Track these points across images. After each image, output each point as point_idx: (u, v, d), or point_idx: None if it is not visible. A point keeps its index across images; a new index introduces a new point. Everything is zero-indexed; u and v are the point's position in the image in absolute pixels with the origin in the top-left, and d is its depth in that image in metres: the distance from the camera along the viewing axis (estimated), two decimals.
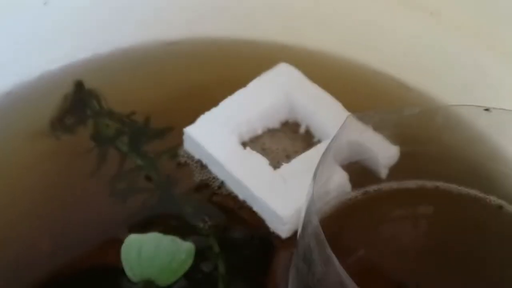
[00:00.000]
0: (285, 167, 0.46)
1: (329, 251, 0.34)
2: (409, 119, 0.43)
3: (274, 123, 0.49)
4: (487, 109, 0.43)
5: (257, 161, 0.46)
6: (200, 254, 0.44)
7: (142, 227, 0.45)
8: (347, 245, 0.46)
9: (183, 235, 0.45)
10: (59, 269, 0.45)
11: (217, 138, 0.47)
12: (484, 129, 0.44)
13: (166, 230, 0.45)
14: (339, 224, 0.46)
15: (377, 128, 0.45)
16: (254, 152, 0.46)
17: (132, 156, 0.49)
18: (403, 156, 0.47)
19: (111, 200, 0.47)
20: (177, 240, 0.44)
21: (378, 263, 0.46)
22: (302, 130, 0.49)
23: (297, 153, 0.48)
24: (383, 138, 0.46)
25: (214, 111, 0.48)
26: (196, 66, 0.55)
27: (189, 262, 0.43)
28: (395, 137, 0.45)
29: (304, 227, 0.38)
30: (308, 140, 0.49)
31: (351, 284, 0.33)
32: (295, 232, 0.44)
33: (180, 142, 0.49)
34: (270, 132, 0.49)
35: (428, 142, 0.45)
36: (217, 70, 0.55)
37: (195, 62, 0.56)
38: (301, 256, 0.38)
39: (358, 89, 0.54)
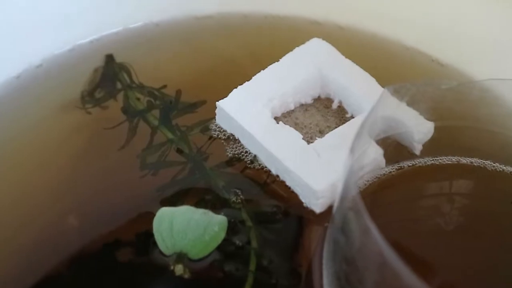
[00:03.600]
0: (318, 141, 0.45)
1: (368, 220, 0.34)
2: (446, 92, 0.43)
3: (307, 98, 0.49)
4: None
5: (290, 135, 0.45)
6: (232, 228, 0.44)
7: (174, 200, 0.45)
8: (380, 220, 0.46)
9: (215, 209, 0.44)
10: (88, 243, 0.45)
11: (250, 112, 0.46)
12: None
13: (198, 204, 0.45)
14: (372, 199, 0.45)
15: (413, 101, 0.44)
16: (287, 126, 0.46)
17: (163, 129, 0.49)
18: (438, 131, 0.46)
19: (141, 173, 0.47)
20: (209, 213, 0.43)
21: (411, 240, 0.45)
22: (334, 105, 0.49)
23: (330, 128, 0.47)
24: (418, 113, 0.46)
25: (247, 85, 0.48)
26: (227, 41, 0.55)
27: (222, 235, 0.43)
28: (431, 111, 0.45)
29: (342, 199, 0.37)
30: (340, 115, 0.49)
31: (390, 253, 0.33)
32: (329, 207, 0.44)
33: (212, 116, 0.49)
34: (303, 107, 0.49)
35: (464, 117, 0.45)
36: (249, 45, 0.55)
37: (226, 37, 0.55)
38: (338, 228, 0.38)
39: (389, 66, 0.53)
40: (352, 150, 0.38)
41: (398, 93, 0.42)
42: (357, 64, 0.50)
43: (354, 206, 0.35)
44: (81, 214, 0.46)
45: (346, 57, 0.50)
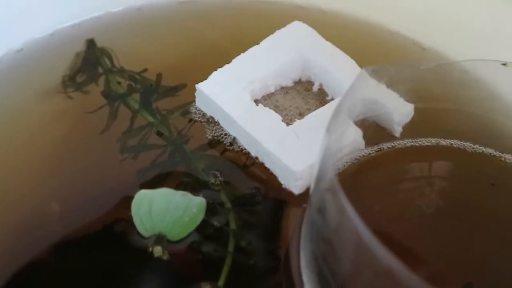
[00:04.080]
0: (298, 123, 0.45)
1: (344, 201, 0.34)
2: (425, 74, 0.43)
3: (287, 81, 0.49)
4: (504, 64, 0.42)
5: (270, 117, 0.45)
6: (211, 210, 0.44)
7: (153, 183, 0.45)
8: (359, 202, 0.46)
9: (195, 191, 0.44)
10: (69, 228, 0.45)
11: (229, 94, 0.46)
12: (501, 86, 0.43)
13: (177, 186, 0.45)
14: (352, 181, 0.45)
15: (393, 83, 0.44)
16: (266, 109, 0.46)
17: (143, 113, 0.49)
18: (418, 113, 0.46)
19: (122, 157, 0.47)
20: (188, 195, 0.43)
21: (390, 221, 0.45)
22: (315, 88, 0.49)
23: (310, 110, 0.47)
24: (398, 95, 0.46)
25: (227, 67, 0.48)
26: (209, 24, 0.55)
27: (201, 216, 0.43)
28: (410, 92, 0.45)
29: (318, 179, 0.37)
30: (321, 98, 0.48)
31: (366, 232, 0.33)
32: (308, 188, 0.44)
33: (192, 99, 0.49)
34: (283, 90, 0.49)
35: (444, 99, 0.45)
36: (231, 29, 0.54)
37: (208, 21, 0.55)
38: (315, 208, 0.38)
39: (372, 49, 0.53)
40: (328, 130, 0.38)
41: (376, 74, 0.42)
42: (338, 48, 0.49)
43: (330, 186, 0.35)
44: (62, 199, 0.46)
45: (328, 41, 0.50)
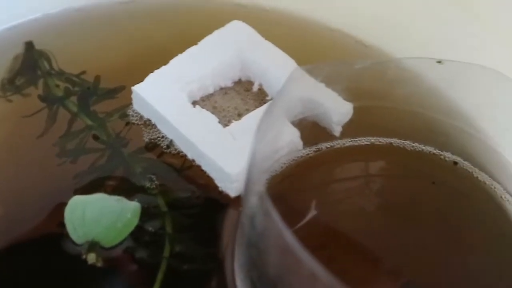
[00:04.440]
0: (235, 124, 0.45)
1: (269, 204, 0.33)
2: (360, 72, 0.42)
3: (226, 81, 0.48)
4: (439, 62, 0.42)
5: (206, 119, 0.45)
6: (148, 214, 0.43)
7: (89, 188, 0.44)
8: (298, 203, 0.46)
9: (131, 195, 0.44)
10: (4, 233, 0.44)
11: (165, 96, 0.45)
12: (438, 83, 0.43)
13: (113, 191, 0.44)
14: (290, 182, 0.45)
15: (329, 82, 0.44)
16: (203, 110, 0.45)
17: (82, 116, 0.48)
18: (357, 112, 0.45)
19: (60, 161, 0.46)
20: (123, 200, 0.43)
21: (330, 222, 0.45)
22: (255, 88, 0.48)
23: (249, 111, 0.47)
24: (336, 94, 0.45)
25: (164, 69, 0.47)
26: (148, 25, 0.54)
27: (135, 221, 0.42)
28: (347, 91, 0.44)
29: (246, 182, 0.36)
30: (261, 98, 0.48)
31: (289, 236, 0.32)
32: None
33: (131, 102, 0.48)
34: (222, 90, 0.48)
35: (382, 97, 0.44)
36: (173, 29, 0.54)
37: (147, 21, 0.54)
38: (245, 212, 0.37)
39: (314, 48, 0.53)
40: (258, 132, 0.37)
41: (311, 73, 0.41)
42: (280, 47, 0.49)
43: (257, 190, 0.35)
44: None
45: (271, 39, 0.49)
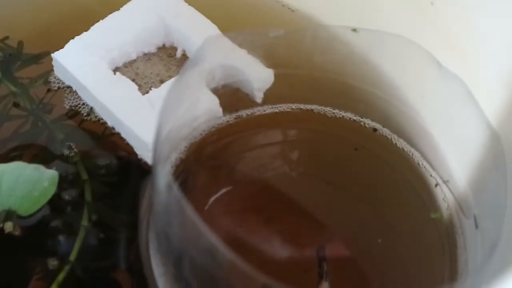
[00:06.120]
0: (154, 92, 0.44)
1: (169, 178, 0.33)
2: (276, 41, 0.42)
3: (150, 47, 0.48)
4: (354, 30, 0.42)
5: (126, 86, 0.45)
6: (67, 182, 0.43)
7: (11, 156, 0.44)
8: (219, 169, 0.46)
9: (49, 163, 0.44)
10: None
11: (85, 63, 0.45)
12: (354, 51, 0.43)
13: (32, 159, 0.44)
14: (210, 149, 0.45)
15: (247, 50, 0.44)
16: (123, 78, 0.45)
17: (5, 82, 0.48)
18: (278, 79, 0.46)
19: None
20: (40, 168, 0.43)
21: (251, 188, 0.45)
22: (178, 54, 0.48)
23: (171, 77, 0.46)
24: (258, 60, 0.45)
25: (84, 35, 0.46)
26: None
27: (52, 190, 0.42)
28: (266, 59, 0.44)
29: (153, 153, 0.37)
30: (184, 64, 0.48)
31: (190, 211, 0.33)
32: None
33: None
34: (146, 56, 0.48)
35: (300, 65, 0.44)
36: None
37: None
38: (152, 181, 0.37)
39: (239, 13, 0.52)
40: (168, 98, 0.37)
41: (221, 42, 0.41)
42: (205, 13, 0.48)
43: (157, 157, 0.35)
44: None
45: (196, 5, 0.49)
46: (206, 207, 0.44)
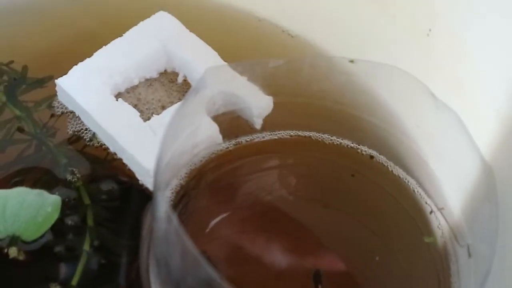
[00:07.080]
0: (155, 118, 0.45)
1: (168, 208, 0.34)
2: (275, 70, 0.43)
3: (152, 73, 0.49)
4: (351, 61, 0.43)
5: (127, 113, 0.45)
6: (70, 207, 0.44)
7: (15, 181, 0.45)
8: (219, 194, 0.47)
9: (53, 189, 0.44)
10: None
11: (88, 89, 0.46)
12: (352, 81, 0.44)
13: (34, 184, 0.45)
14: (210, 175, 0.46)
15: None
16: (125, 104, 0.46)
17: (9, 106, 0.49)
18: (277, 106, 0.46)
19: None
20: (43, 193, 0.44)
21: (250, 212, 0.46)
22: (180, 79, 0.49)
23: (172, 104, 0.47)
24: (257, 88, 0.46)
25: (87, 61, 0.47)
26: (80, 14, 0.54)
27: (55, 215, 0.43)
28: (265, 87, 0.45)
29: (154, 181, 0.37)
30: (185, 90, 0.49)
31: (188, 243, 0.33)
32: None
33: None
34: (147, 82, 0.49)
35: (299, 93, 0.45)
36: (106, 16, 0.54)
37: (79, 11, 0.54)
38: (152, 208, 0.38)
39: (241, 38, 0.53)
40: (170, 126, 0.38)
41: (221, 72, 0.42)
42: (208, 37, 0.49)
43: (157, 185, 0.36)
44: None
45: (199, 30, 0.50)
46: (207, 230, 0.45)
